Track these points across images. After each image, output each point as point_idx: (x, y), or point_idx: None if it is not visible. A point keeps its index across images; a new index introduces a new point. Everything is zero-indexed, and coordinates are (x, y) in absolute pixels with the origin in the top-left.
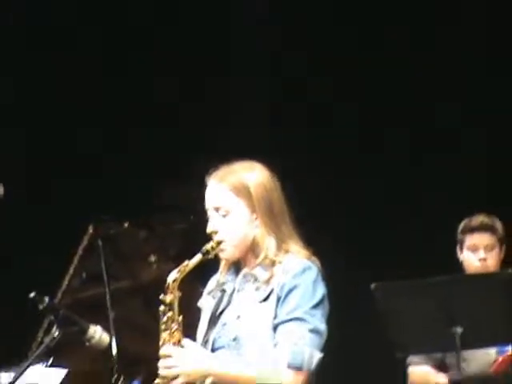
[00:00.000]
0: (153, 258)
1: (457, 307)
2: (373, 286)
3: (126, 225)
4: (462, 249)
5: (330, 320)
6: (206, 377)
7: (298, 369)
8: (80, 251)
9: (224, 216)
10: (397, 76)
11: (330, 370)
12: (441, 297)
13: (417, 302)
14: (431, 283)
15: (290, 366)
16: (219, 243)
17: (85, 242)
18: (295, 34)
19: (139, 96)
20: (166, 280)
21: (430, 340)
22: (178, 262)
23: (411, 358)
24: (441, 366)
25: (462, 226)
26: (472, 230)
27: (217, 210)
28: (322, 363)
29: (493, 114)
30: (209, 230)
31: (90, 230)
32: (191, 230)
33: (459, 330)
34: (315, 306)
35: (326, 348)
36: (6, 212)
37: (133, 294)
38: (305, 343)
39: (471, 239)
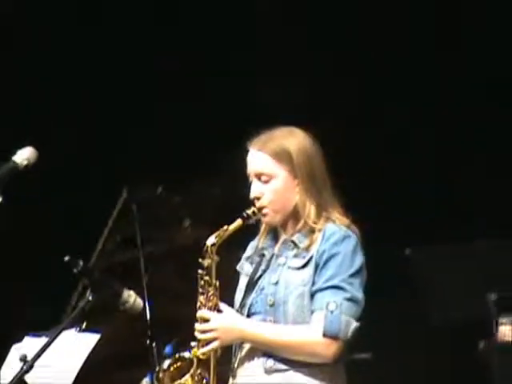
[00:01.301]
0: (187, 223)
1: (494, 273)
2: (408, 250)
3: (160, 189)
4: None
5: (367, 289)
6: (241, 340)
7: (334, 337)
8: (114, 215)
9: (266, 182)
10: None
11: (367, 338)
12: (478, 262)
13: (452, 267)
14: (468, 248)
15: (325, 334)
16: (261, 209)
17: (119, 205)
18: None
19: None
20: (200, 245)
21: (465, 306)
22: (212, 227)
23: (501, 318)
24: None
25: None
26: None
27: (258, 176)
28: (358, 332)
29: None
30: (251, 195)
31: (124, 194)
32: (227, 195)
33: (494, 296)
34: (353, 275)
35: (363, 317)
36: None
37: (167, 258)
38: (341, 311)
39: None
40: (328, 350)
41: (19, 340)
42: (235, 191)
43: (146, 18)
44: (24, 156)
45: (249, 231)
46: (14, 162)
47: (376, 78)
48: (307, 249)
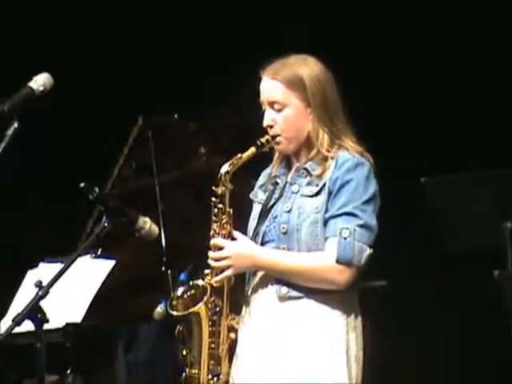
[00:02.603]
0: (203, 150)
1: (510, 201)
2: (423, 179)
3: (176, 116)
4: None
5: (380, 217)
6: (255, 268)
7: (348, 263)
8: (130, 142)
9: (279, 110)
10: None
11: (381, 265)
12: (494, 190)
13: (468, 195)
14: (484, 177)
15: (339, 261)
16: (274, 137)
17: (135, 133)
18: None
19: None
20: (215, 172)
21: (480, 234)
22: (228, 155)
23: None
24: None
25: None
26: None
27: (271, 104)
28: (372, 258)
29: None
30: (264, 123)
31: (140, 122)
32: (242, 123)
33: (510, 224)
34: (366, 202)
35: (376, 243)
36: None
37: (182, 185)
38: (355, 238)
39: None
40: (341, 276)
41: (34, 266)
42: (252, 119)
43: None
44: (40, 82)
45: (263, 159)
46: (30, 88)
47: None
48: (320, 176)
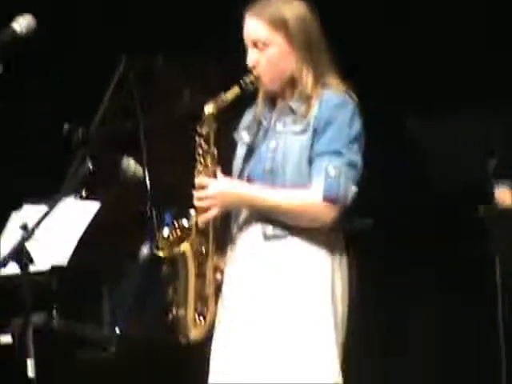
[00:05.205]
0: (187, 92)
1: (494, 139)
2: (408, 120)
3: (159, 57)
4: None
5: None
6: (240, 206)
7: (333, 201)
8: (113, 85)
9: (262, 50)
10: None
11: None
12: (479, 129)
13: (453, 135)
14: (469, 115)
15: (325, 198)
16: (258, 76)
17: (117, 75)
18: None
19: None
20: (200, 113)
21: (465, 172)
22: (213, 96)
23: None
24: None
25: None
26: None
27: (255, 43)
28: (356, 197)
29: None
30: (248, 63)
31: (123, 61)
32: (227, 64)
33: (494, 161)
34: (352, 140)
35: (361, 182)
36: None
37: (166, 126)
38: (340, 175)
39: None
40: (327, 213)
41: (18, 207)
42: (237, 61)
43: None
44: (23, 24)
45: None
46: (12, 29)
47: None
48: (305, 115)
